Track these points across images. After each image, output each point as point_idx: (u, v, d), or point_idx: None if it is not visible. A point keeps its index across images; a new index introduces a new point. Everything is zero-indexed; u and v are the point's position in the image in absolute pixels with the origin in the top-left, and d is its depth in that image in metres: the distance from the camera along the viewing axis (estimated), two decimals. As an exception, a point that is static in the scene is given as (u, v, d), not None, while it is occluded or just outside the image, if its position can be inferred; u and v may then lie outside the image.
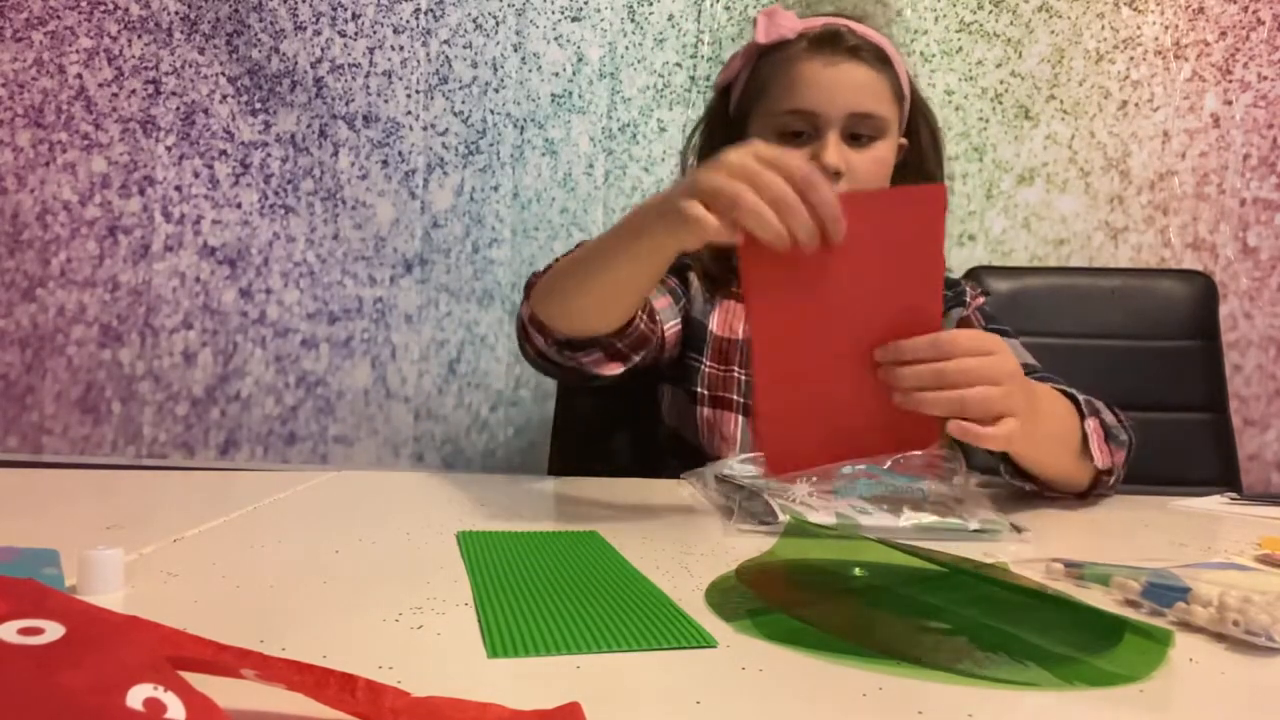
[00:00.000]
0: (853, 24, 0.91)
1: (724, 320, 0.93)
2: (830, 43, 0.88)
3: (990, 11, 1.44)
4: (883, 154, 0.90)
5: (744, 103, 0.94)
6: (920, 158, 0.96)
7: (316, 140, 1.45)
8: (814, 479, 0.62)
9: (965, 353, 0.58)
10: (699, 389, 0.91)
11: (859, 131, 0.88)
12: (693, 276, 0.95)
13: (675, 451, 0.91)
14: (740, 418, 0.90)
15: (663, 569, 0.45)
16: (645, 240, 0.65)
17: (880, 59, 0.89)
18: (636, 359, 0.81)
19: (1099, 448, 0.73)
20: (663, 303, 0.91)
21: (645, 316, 0.80)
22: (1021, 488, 0.75)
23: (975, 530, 0.57)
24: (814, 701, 0.29)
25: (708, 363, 0.91)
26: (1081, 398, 0.75)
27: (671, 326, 0.91)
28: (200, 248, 1.46)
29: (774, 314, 0.58)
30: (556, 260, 0.81)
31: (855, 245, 0.55)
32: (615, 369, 0.79)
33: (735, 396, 0.90)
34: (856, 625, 0.36)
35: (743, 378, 0.90)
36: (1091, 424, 0.73)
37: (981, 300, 0.99)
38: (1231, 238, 1.43)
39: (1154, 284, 1.27)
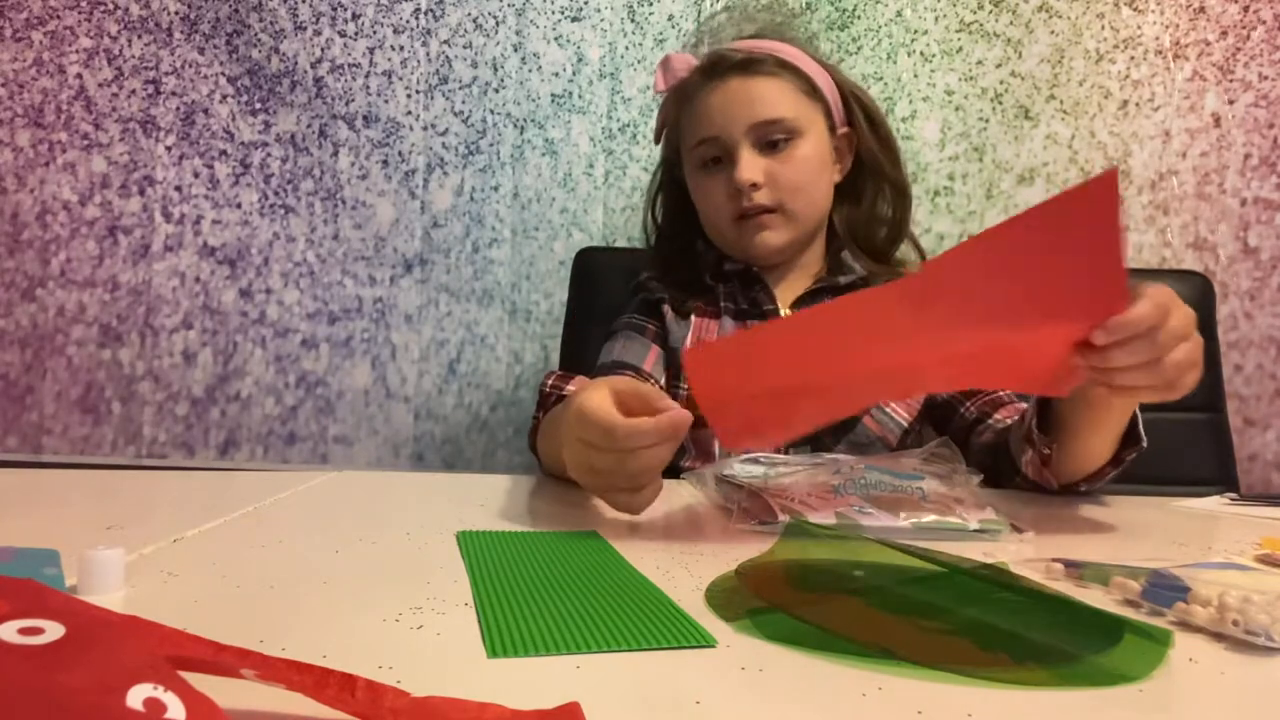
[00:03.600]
0: (739, 43, 0.94)
1: (695, 339, 0.94)
2: (714, 67, 0.92)
3: (990, 11, 1.44)
4: (806, 152, 0.91)
5: (675, 145, 0.99)
6: (863, 142, 0.98)
7: (316, 140, 1.45)
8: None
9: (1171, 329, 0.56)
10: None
11: (772, 138, 0.90)
12: (666, 309, 0.97)
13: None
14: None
15: (663, 569, 0.45)
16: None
17: (777, 64, 0.91)
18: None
19: (1137, 440, 0.71)
20: (651, 359, 0.93)
21: None
22: (1015, 465, 0.75)
23: (975, 530, 0.57)
24: (814, 701, 0.29)
25: (685, 385, 0.92)
26: None
27: (665, 378, 0.94)
28: (200, 248, 1.46)
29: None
30: (536, 420, 0.83)
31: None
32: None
33: None
34: (856, 625, 0.36)
35: None
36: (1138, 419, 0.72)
37: None
38: (1232, 238, 1.43)
39: (1153, 284, 1.27)
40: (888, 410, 0.91)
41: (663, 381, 0.93)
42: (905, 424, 0.91)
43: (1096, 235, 0.52)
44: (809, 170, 0.92)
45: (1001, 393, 0.88)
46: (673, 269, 1.00)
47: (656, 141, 1.04)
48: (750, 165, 0.89)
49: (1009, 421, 0.82)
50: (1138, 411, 0.69)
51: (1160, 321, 0.55)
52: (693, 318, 0.95)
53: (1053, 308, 0.54)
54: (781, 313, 0.94)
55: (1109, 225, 0.52)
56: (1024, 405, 0.83)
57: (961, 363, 0.58)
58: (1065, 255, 0.53)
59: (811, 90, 0.93)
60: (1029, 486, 0.77)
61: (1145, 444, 0.70)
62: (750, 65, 0.90)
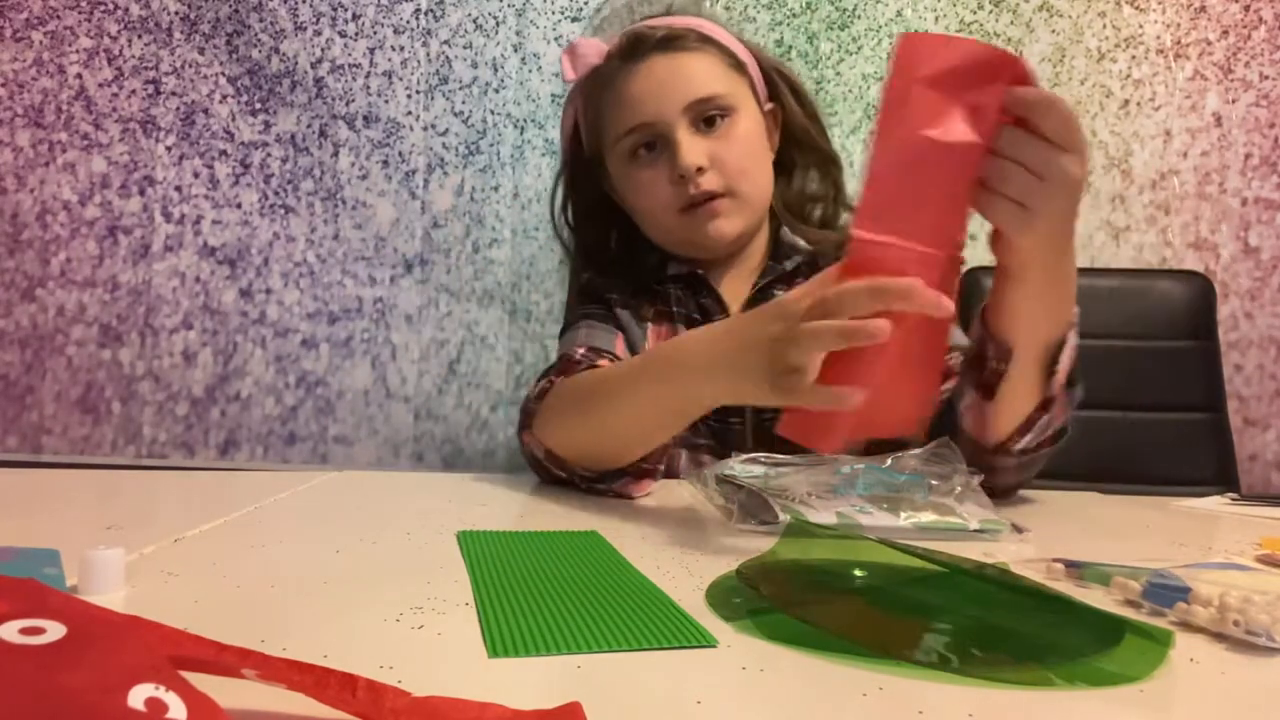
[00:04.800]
0: (655, 20, 0.87)
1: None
2: (636, 48, 0.84)
3: (990, 11, 1.44)
4: (744, 128, 0.85)
5: (593, 143, 0.91)
6: (790, 116, 0.92)
7: (316, 140, 1.45)
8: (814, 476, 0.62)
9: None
10: None
11: (708, 115, 0.83)
12: (617, 310, 0.89)
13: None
14: (684, 452, 0.86)
15: (663, 569, 0.45)
16: (705, 388, 0.62)
17: (699, 39, 0.85)
18: (663, 466, 0.75)
19: (1067, 365, 0.67)
20: (620, 344, 0.87)
21: None
22: (956, 421, 0.71)
23: (975, 530, 0.57)
24: (814, 701, 0.29)
25: None
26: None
27: None
28: (200, 248, 1.46)
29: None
30: (550, 382, 0.76)
31: None
32: (647, 487, 0.72)
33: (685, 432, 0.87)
34: (856, 625, 0.36)
35: None
36: (1073, 339, 0.67)
37: None
38: (1232, 237, 1.43)
39: (1152, 284, 1.27)
40: None
41: None
42: None
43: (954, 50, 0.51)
44: (751, 149, 0.86)
45: (950, 361, 0.80)
46: (613, 275, 0.92)
47: (565, 142, 0.95)
48: (692, 148, 0.82)
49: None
50: (1070, 338, 0.66)
51: (1052, 123, 0.52)
52: (649, 325, 0.89)
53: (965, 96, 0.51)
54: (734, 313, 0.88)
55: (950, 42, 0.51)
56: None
57: None
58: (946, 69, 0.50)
59: (737, 65, 0.87)
60: (965, 456, 0.69)
61: (1060, 368, 0.67)
62: (673, 42, 0.84)
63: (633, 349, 0.88)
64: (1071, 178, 0.54)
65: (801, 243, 0.92)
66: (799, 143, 0.93)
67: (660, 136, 0.84)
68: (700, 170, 0.82)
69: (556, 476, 0.74)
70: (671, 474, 0.85)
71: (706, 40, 0.86)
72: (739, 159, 0.85)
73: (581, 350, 0.80)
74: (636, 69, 0.84)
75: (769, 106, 0.91)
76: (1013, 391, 0.68)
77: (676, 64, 0.84)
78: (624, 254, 0.95)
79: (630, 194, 0.89)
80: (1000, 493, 0.72)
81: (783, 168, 0.94)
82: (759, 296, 0.89)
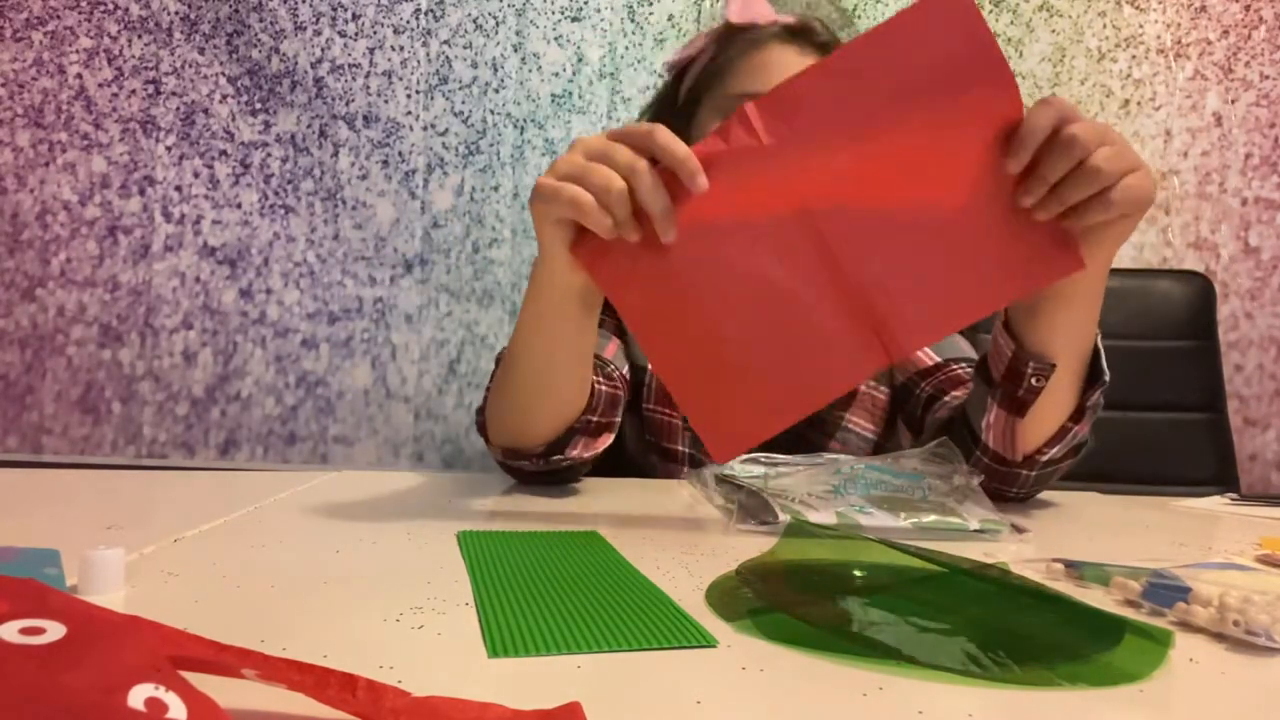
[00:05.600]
0: (826, 26, 0.88)
1: None
2: (804, 35, 0.85)
3: (990, 11, 1.44)
4: None
5: (699, 84, 0.89)
6: None
7: (316, 140, 1.45)
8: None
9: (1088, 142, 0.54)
10: (648, 436, 0.88)
11: None
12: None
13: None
14: (687, 469, 0.86)
15: (663, 569, 0.45)
16: (541, 298, 0.63)
17: None
18: (619, 419, 0.76)
19: (1106, 369, 0.67)
20: (611, 349, 0.86)
21: (601, 378, 0.75)
22: (974, 433, 0.69)
23: (975, 530, 0.57)
24: (814, 701, 0.29)
25: (651, 407, 0.88)
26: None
27: (626, 369, 0.86)
28: (200, 248, 1.46)
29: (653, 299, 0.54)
30: (487, 391, 0.77)
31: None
32: (606, 441, 0.73)
33: (681, 447, 0.87)
34: (857, 625, 0.36)
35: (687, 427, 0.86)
36: (1100, 342, 0.67)
37: None
38: (1233, 237, 1.43)
39: (1152, 284, 1.27)
40: (850, 427, 0.87)
41: (625, 372, 0.85)
42: (872, 436, 0.88)
43: (963, 37, 0.52)
44: None
45: (961, 370, 0.83)
46: None
47: (672, 73, 0.94)
48: None
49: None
50: (1099, 345, 0.67)
51: (1061, 120, 0.54)
52: None
53: (942, 115, 0.52)
54: None
55: (973, 25, 0.52)
56: None
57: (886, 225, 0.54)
58: (934, 60, 0.52)
59: None
60: (985, 467, 0.70)
61: (1108, 378, 0.67)
62: (830, 49, 0.85)
63: (633, 368, 0.88)
64: (1146, 193, 0.55)
65: None
66: None
67: None
68: None
69: (520, 469, 0.74)
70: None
71: None
72: None
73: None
74: (794, 48, 0.84)
75: None
76: (1050, 402, 0.67)
77: None
78: None
79: None
80: (1010, 501, 0.72)
81: None
82: None
